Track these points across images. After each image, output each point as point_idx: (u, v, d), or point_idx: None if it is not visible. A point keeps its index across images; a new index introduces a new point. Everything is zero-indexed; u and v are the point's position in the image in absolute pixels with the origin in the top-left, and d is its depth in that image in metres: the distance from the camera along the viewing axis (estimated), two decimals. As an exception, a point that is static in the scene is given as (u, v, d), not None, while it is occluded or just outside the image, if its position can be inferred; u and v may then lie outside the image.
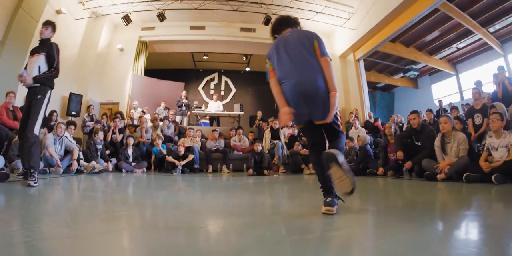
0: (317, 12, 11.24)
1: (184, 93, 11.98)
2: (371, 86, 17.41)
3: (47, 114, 7.06)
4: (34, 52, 4.13)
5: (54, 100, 9.04)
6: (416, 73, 15.05)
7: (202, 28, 13.37)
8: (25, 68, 4.07)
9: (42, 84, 4.01)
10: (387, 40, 10.93)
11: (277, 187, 4.75)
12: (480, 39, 12.41)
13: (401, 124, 9.32)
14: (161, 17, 11.20)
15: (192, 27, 13.33)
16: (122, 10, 11.25)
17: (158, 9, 11.18)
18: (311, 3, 11.06)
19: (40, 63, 4.02)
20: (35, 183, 3.63)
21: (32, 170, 3.73)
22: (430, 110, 9.03)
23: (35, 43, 8.40)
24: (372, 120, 10.66)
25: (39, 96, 3.95)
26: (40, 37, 4.22)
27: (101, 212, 2.46)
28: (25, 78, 3.90)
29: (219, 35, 13.41)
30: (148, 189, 4.49)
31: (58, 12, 9.68)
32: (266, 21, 11.30)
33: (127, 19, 11.16)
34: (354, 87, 12.35)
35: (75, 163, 6.11)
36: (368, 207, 2.72)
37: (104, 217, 2.16)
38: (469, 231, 1.76)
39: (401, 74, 16.11)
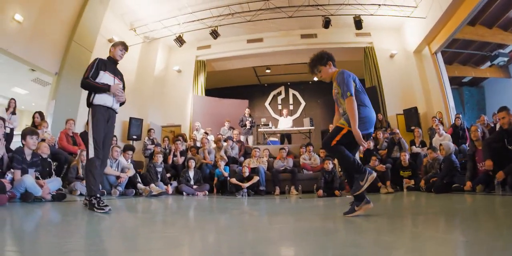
0: (379, 5, 10.73)
1: (247, 111, 11.99)
2: (456, 82, 15.90)
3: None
4: (114, 73, 4.17)
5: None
6: (506, 59, 13.22)
7: (260, 40, 13.51)
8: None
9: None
10: (464, 24, 9.79)
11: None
12: None
13: (493, 125, 8.19)
14: (214, 34, 11.54)
15: (249, 41, 13.53)
16: (174, 31, 11.88)
17: (210, 27, 11.58)
18: (371, -4, 10.64)
19: None
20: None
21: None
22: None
23: None
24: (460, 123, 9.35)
25: (114, 124, 4.24)
26: (117, 59, 4.24)
27: (151, 231, 2.55)
28: (124, 95, 4.10)
29: (278, 45, 13.45)
30: (204, 211, 4.52)
31: (110, 40, 10.60)
32: (326, 24, 11.08)
33: (180, 40, 11.72)
34: (435, 85, 11.31)
35: (125, 176, 6.51)
36: (446, 235, 2.20)
37: (154, 236, 2.26)
38: None
39: (489, 63, 14.47)
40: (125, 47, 4.27)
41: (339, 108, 3.34)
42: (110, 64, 4.15)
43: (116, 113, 4.16)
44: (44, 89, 10.05)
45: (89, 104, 3.96)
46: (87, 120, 3.99)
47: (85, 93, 4.06)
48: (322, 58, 3.23)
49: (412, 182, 7.28)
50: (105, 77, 3.98)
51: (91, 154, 3.80)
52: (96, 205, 3.53)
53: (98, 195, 3.67)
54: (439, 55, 11.44)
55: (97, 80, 3.90)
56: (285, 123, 12.51)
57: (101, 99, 3.93)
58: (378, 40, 12.73)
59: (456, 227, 2.55)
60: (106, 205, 3.55)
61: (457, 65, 14.85)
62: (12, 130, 6.86)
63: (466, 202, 4.54)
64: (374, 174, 2.94)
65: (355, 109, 2.94)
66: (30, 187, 4.21)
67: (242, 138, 11.30)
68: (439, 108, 10.90)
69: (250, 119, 11.63)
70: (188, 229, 2.74)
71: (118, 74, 4.22)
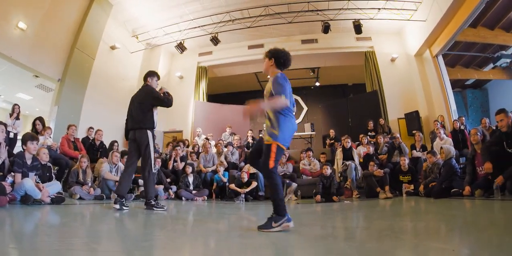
0: (379, 8, 10.79)
1: (250, 133, 11.68)
2: (459, 84, 15.94)
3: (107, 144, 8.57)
4: None
5: (116, 130, 9.75)
6: (509, 60, 12.99)
7: (261, 46, 13.54)
8: None
9: None
10: (465, 26, 9.79)
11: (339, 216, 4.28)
12: None
13: (494, 128, 8.07)
14: (215, 40, 11.69)
15: (250, 47, 13.65)
16: (176, 38, 12.09)
17: (211, 33, 11.68)
18: (370, 0, 10.65)
19: None
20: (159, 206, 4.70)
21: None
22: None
23: (93, 79, 9.38)
24: (462, 127, 9.30)
25: None
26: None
27: (145, 234, 2.65)
28: None
29: (279, 51, 13.16)
30: (200, 216, 4.66)
31: (113, 47, 10.79)
32: (325, 29, 11.19)
33: (181, 47, 11.94)
34: (436, 89, 11.30)
35: None
36: (434, 243, 2.11)
37: (147, 239, 2.35)
38: None
39: (491, 65, 14.31)
40: (158, 77, 5.25)
41: None
42: None
43: None
44: (47, 95, 10.24)
45: (151, 128, 4.81)
46: (148, 142, 4.71)
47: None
48: (272, 52, 3.20)
49: (412, 187, 7.22)
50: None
51: (155, 169, 4.97)
52: (155, 206, 4.58)
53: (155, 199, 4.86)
54: (440, 58, 11.47)
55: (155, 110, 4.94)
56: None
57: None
58: (379, 44, 12.79)
59: (447, 235, 2.53)
60: (163, 206, 4.67)
61: (459, 67, 14.77)
62: (16, 135, 7.01)
63: (464, 207, 4.51)
64: (291, 224, 2.76)
65: (280, 104, 2.86)
66: (30, 190, 4.38)
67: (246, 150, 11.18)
68: (441, 112, 10.88)
69: (252, 142, 11.53)
70: (182, 233, 2.84)
71: None
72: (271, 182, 2.90)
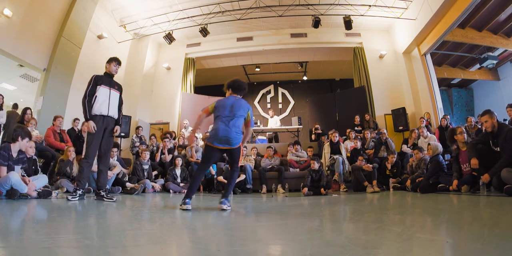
0: (370, 5, 10.87)
1: None
2: (445, 83, 16.30)
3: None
4: (111, 85, 4.98)
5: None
6: (495, 62, 13.34)
7: (250, 38, 13.57)
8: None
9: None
10: (454, 27, 9.99)
11: (325, 210, 4.28)
12: None
13: (480, 126, 8.27)
14: (204, 32, 11.57)
15: (239, 39, 13.60)
16: (164, 29, 11.97)
17: (200, 24, 11.59)
18: (361, -4, 10.73)
19: (118, 100, 5.08)
20: (111, 201, 4.68)
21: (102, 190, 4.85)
22: (511, 106, 7.78)
23: (80, 69, 9.10)
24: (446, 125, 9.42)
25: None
26: (113, 74, 5.08)
27: (135, 228, 2.60)
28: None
29: (268, 44, 13.52)
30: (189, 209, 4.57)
31: (100, 37, 10.62)
32: (315, 24, 11.17)
33: (169, 37, 11.75)
34: (423, 86, 11.50)
35: (110, 174, 6.48)
36: (427, 235, 2.21)
37: (137, 233, 2.33)
38: None
39: (478, 65, 14.65)
40: (118, 62, 5.12)
41: None
42: (106, 78, 4.95)
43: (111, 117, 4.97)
44: (32, 85, 10.01)
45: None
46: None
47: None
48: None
49: (397, 180, 7.36)
50: (100, 90, 4.80)
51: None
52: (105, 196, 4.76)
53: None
54: (428, 56, 11.64)
55: (96, 94, 4.78)
56: (273, 123, 12.68)
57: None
58: (368, 40, 12.88)
59: (438, 228, 2.58)
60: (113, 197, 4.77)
61: (446, 66, 15.08)
62: (-1, 126, 6.84)
63: (451, 202, 4.57)
64: None
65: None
66: (16, 184, 4.28)
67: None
68: (427, 109, 11.09)
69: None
70: (172, 226, 2.80)
71: (115, 87, 5.01)
72: None
